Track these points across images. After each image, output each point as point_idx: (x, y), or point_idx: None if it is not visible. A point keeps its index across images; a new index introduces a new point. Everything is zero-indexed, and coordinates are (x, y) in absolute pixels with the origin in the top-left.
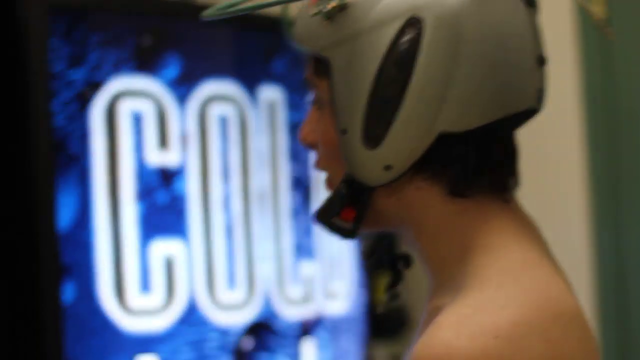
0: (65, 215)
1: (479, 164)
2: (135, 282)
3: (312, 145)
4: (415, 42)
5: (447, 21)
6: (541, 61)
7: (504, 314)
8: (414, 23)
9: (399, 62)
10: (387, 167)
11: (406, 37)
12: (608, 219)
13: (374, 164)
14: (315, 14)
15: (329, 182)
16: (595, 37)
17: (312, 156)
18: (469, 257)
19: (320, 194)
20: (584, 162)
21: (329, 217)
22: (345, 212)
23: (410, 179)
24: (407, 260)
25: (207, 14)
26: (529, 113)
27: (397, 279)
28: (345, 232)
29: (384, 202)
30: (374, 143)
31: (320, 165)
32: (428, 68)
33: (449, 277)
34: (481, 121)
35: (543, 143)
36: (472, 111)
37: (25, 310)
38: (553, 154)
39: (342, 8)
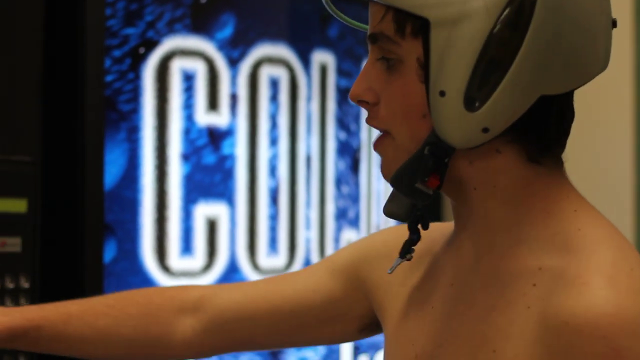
0: (111, 173)
1: (557, 129)
2: (177, 243)
3: (368, 103)
4: (532, 7)
5: None
6: (614, 23)
7: (637, 275)
8: None
9: (514, 25)
10: (485, 130)
11: (521, 2)
12: None
13: (472, 127)
14: None
15: (388, 143)
16: None
17: (362, 123)
18: (562, 220)
19: (366, 161)
20: (633, 153)
21: (412, 182)
22: (432, 178)
23: (491, 142)
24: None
25: None
26: None
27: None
28: (424, 198)
29: (460, 165)
30: (476, 105)
31: (383, 124)
32: (540, 33)
33: (534, 238)
34: (577, 84)
35: (594, 129)
36: (572, 75)
37: (67, 266)
38: (603, 142)
39: None
